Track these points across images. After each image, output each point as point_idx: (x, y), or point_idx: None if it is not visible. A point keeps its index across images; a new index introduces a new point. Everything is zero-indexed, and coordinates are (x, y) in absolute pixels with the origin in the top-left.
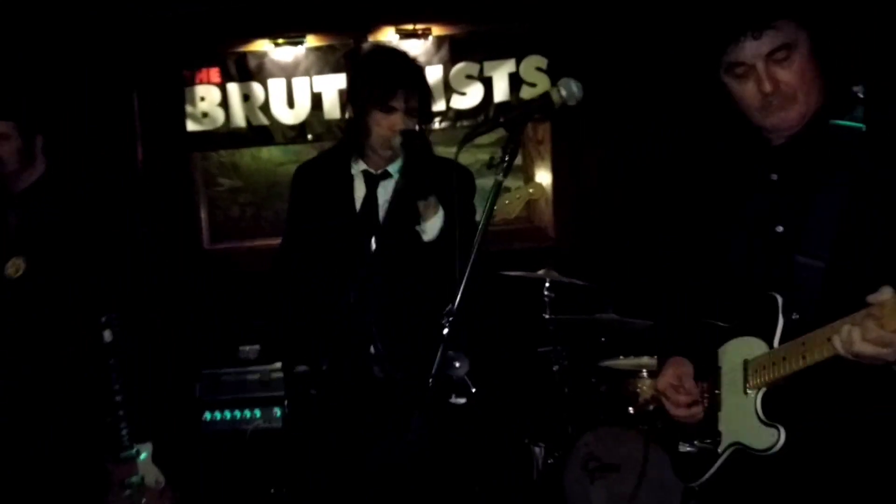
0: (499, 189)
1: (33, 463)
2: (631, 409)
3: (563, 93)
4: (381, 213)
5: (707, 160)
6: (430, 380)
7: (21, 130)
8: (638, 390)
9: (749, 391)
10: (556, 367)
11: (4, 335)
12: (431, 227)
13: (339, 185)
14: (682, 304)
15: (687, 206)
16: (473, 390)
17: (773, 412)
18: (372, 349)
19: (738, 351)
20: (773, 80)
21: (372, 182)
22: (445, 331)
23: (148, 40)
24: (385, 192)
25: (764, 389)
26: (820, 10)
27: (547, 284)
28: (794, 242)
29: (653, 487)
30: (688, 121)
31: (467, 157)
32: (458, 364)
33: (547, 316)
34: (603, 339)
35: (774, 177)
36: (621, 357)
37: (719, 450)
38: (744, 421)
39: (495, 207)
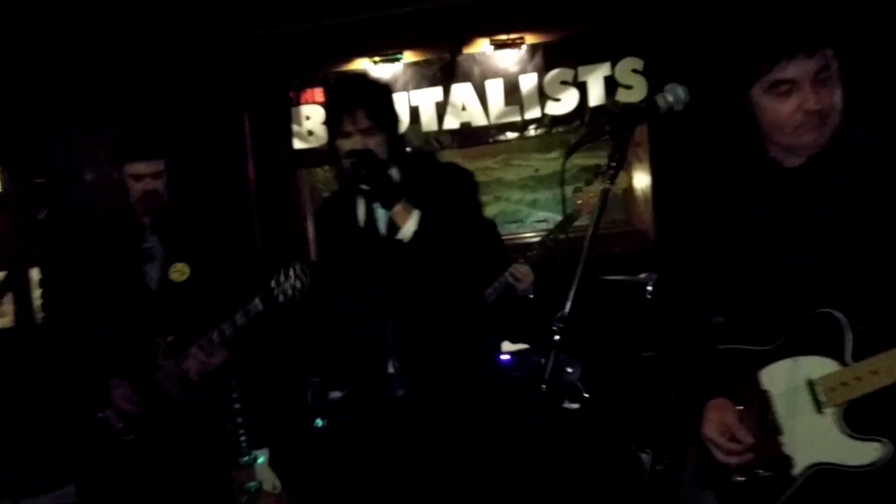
0: (606, 197)
1: (161, 469)
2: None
3: (670, 98)
4: (383, 227)
5: (731, 177)
6: (544, 385)
7: (168, 165)
8: None
9: (826, 410)
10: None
11: (174, 334)
12: (406, 231)
13: (344, 211)
14: (702, 334)
15: (713, 225)
16: (586, 395)
17: (859, 427)
18: (390, 367)
19: (794, 371)
20: (818, 99)
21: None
22: (557, 337)
23: (256, 62)
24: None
25: (844, 407)
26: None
27: (649, 288)
28: (813, 263)
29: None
30: None
31: (559, 164)
32: (570, 369)
33: (648, 320)
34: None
35: (788, 197)
36: None
37: (794, 473)
38: (826, 440)
39: (577, 201)
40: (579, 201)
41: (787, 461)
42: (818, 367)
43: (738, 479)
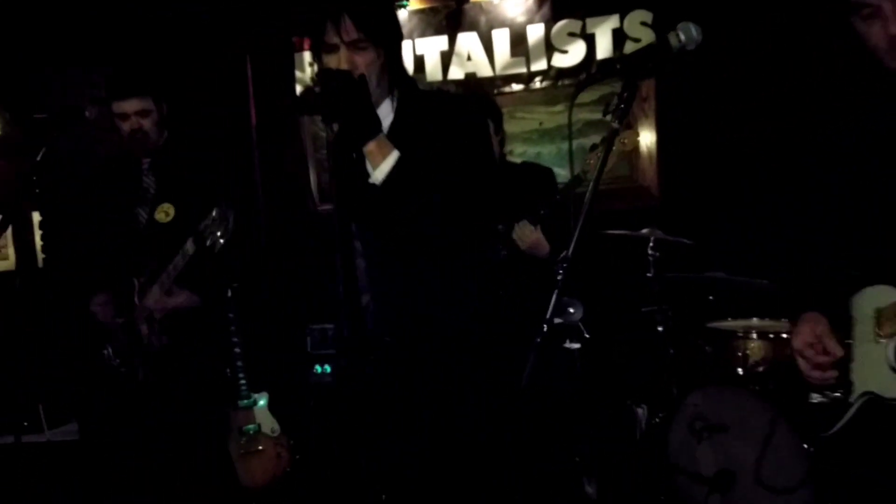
0: (614, 136)
1: (161, 411)
2: (740, 371)
3: (683, 37)
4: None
5: (836, 106)
6: (545, 325)
7: (157, 103)
8: (748, 352)
9: (882, 339)
10: (660, 328)
11: (147, 275)
12: (377, 173)
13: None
14: (808, 254)
15: (814, 153)
16: (587, 336)
17: None
18: (364, 300)
19: (871, 299)
20: None
21: None
22: (559, 277)
23: (259, 6)
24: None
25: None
26: None
27: (651, 244)
28: None
29: (761, 447)
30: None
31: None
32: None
33: (651, 275)
34: (711, 298)
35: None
36: (729, 318)
37: (851, 399)
38: (876, 370)
39: (590, 161)
40: (591, 161)
41: (851, 387)
42: (885, 295)
43: (815, 398)
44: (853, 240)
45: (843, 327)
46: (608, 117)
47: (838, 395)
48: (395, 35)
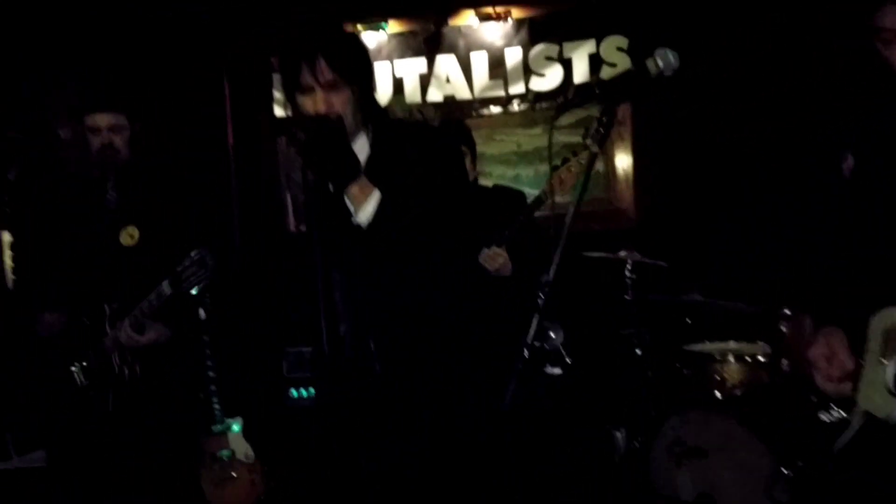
0: (593, 160)
1: (134, 435)
2: (718, 394)
3: (661, 63)
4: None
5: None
6: (525, 349)
7: (130, 120)
8: (725, 375)
9: (885, 360)
10: (638, 350)
11: (118, 301)
12: (362, 215)
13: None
14: (817, 274)
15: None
16: (569, 361)
17: None
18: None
19: (883, 319)
20: None
21: None
22: (540, 300)
23: (237, 25)
24: None
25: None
26: None
27: (629, 266)
28: None
29: (740, 471)
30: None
31: (545, 140)
32: (552, 334)
33: (629, 298)
34: (688, 321)
35: None
36: (706, 342)
37: (852, 418)
38: (876, 390)
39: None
40: (554, 182)
41: (854, 405)
42: (893, 316)
43: (823, 416)
44: (858, 258)
45: (859, 346)
46: (588, 141)
47: (843, 414)
48: (368, 72)
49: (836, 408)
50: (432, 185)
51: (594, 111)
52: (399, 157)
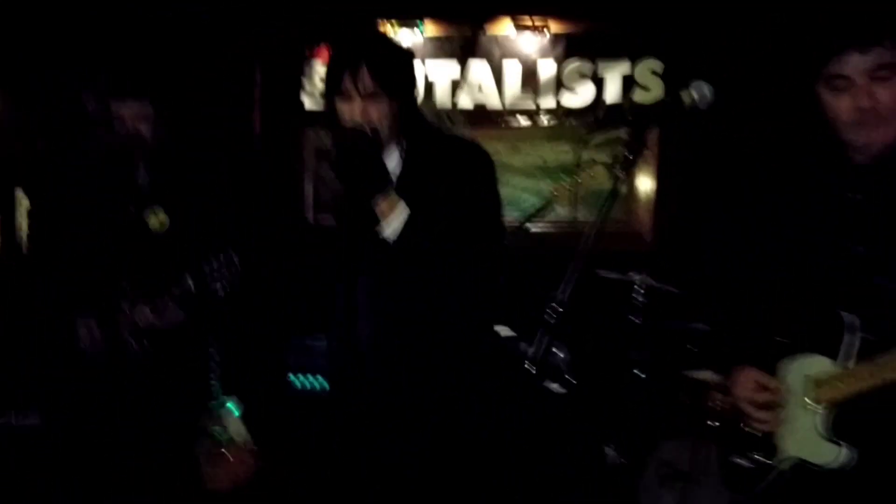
0: (618, 189)
1: (131, 411)
2: (709, 422)
3: (696, 95)
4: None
5: (784, 172)
6: (533, 366)
7: (157, 108)
8: (713, 404)
9: (810, 407)
10: (642, 374)
11: (137, 282)
12: (389, 230)
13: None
14: (743, 315)
15: (759, 216)
16: (574, 382)
17: (839, 430)
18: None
19: (801, 367)
20: (871, 97)
21: None
22: (552, 320)
23: (272, 13)
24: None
25: (827, 406)
26: None
27: (641, 290)
28: (875, 264)
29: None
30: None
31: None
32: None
33: (637, 321)
34: (694, 349)
35: (858, 197)
36: (708, 371)
37: (774, 463)
38: (805, 436)
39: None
40: (555, 193)
41: (774, 451)
42: (816, 364)
43: (736, 459)
44: (787, 306)
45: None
46: (616, 168)
47: (761, 458)
48: (410, 86)
49: (752, 452)
50: (462, 202)
51: (624, 134)
52: (431, 173)
